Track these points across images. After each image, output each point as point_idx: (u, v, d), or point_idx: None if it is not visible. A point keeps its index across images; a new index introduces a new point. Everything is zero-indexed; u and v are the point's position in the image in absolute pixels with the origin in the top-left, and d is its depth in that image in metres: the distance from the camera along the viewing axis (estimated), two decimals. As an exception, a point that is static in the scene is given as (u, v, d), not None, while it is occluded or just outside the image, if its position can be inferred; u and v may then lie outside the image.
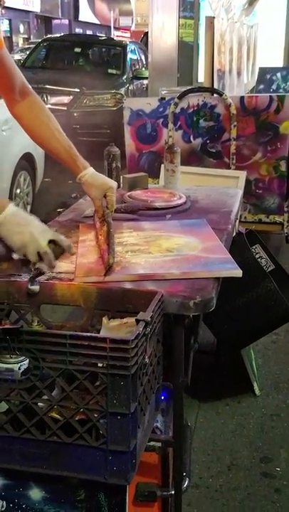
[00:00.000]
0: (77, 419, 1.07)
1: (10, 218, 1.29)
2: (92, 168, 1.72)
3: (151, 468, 1.48)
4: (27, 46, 18.55)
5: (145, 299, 1.27)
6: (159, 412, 1.42)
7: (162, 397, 1.50)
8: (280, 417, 2.28)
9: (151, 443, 1.42)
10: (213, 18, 3.56)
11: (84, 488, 1.10)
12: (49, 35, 12.44)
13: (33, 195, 4.87)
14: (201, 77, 4.42)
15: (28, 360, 1.10)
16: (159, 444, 1.46)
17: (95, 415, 1.06)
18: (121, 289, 1.34)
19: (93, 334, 1.12)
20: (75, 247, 1.64)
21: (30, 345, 1.06)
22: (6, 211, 1.30)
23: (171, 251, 1.60)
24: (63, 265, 1.51)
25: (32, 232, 1.28)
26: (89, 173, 1.70)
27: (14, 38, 23.60)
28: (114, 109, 6.91)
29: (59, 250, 1.33)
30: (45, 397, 1.08)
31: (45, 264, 1.30)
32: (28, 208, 4.77)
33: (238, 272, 1.46)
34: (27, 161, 4.59)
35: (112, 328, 1.26)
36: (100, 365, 1.05)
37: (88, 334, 1.08)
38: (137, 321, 1.13)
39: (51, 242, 1.31)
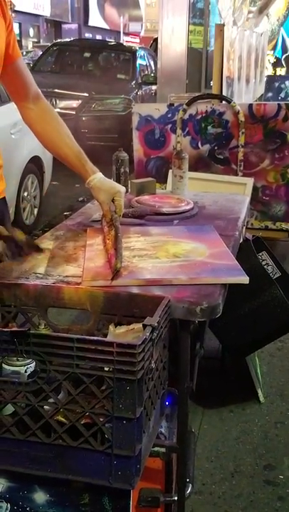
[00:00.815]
0: (82, 422, 1.07)
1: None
2: (100, 173, 1.74)
3: (154, 473, 1.48)
4: (30, 49, 18.60)
5: (152, 304, 1.28)
6: (164, 418, 1.42)
7: (167, 403, 1.50)
8: (284, 424, 2.27)
9: (156, 448, 1.42)
10: (223, 25, 3.58)
11: (88, 492, 1.10)
12: (59, 40, 12.51)
13: (41, 198, 4.89)
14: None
15: (34, 363, 1.10)
16: (163, 450, 1.46)
17: (101, 419, 1.06)
18: (128, 293, 1.34)
19: (100, 338, 1.12)
20: (83, 251, 1.65)
21: (37, 348, 1.06)
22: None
23: (179, 256, 1.60)
24: (71, 269, 1.52)
25: None
26: (97, 177, 1.72)
27: (24, 42, 23.73)
28: (123, 114, 6.94)
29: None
30: (51, 400, 1.08)
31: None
32: (36, 210, 4.79)
33: (244, 279, 1.46)
34: (35, 165, 4.61)
35: (119, 334, 1.26)
36: (106, 369, 1.05)
37: (95, 338, 1.08)
38: (144, 326, 1.14)
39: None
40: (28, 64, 9.21)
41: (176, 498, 1.49)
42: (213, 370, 2.61)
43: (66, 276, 1.47)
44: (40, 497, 1.11)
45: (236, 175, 3.51)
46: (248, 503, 1.87)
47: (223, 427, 2.25)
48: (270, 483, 1.96)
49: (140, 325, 1.20)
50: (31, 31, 25.61)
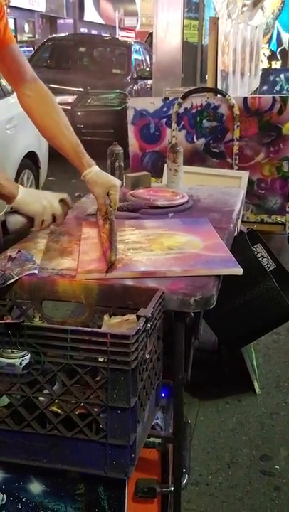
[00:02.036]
0: (77, 413, 1.08)
1: (26, 193, 1.51)
2: (97, 166, 1.74)
3: (151, 464, 1.49)
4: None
5: (146, 296, 1.29)
6: (159, 409, 1.43)
7: (163, 395, 1.51)
8: (280, 415, 2.29)
9: (151, 439, 1.43)
10: (217, 19, 3.58)
11: (84, 481, 1.11)
12: (54, 35, 12.47)
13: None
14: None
15: (29, 356, 1.11)
16: (159, 441, 1.47)
17: (95, 409, 1.07)
18: (122, 285, 1.35)
19: (94, 329, 1.13)
20: (78, 245, 1.65)
21: (31, 339, 1.07)
22: (20, 188, 1.51)
23: (173, 249, 1.61)
24: (65, 262, 1.52)
25: (46, 197, 1.54)
26: (93, 171, 1.72)
27: (19, 37, 23.61)
28: (119, 108, 6.93)
29: (66, 207, 1.59)
30: (46, 391, 1.09)
31: (58, 224, 1.60)
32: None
33: (238, 271, 1.47)
34: (31, 160, 4.60)
35: (113, 325, 1.27)
36: (100, 359, 1.06)
37: (89, 329, 1.09)
38: (138, 317, 1.14)
39: (61, 201, 1.57)
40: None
41: (172, 488, 1.50)
42: (209, 363, 2.62)
43: (61, 269, 1.47)
44: (35, 487, 1.12)
45: (232, 168, 3.52)
46: (245, 494, 1.88)
47: (219, 419, 2.26)
48: (266, 473, 1.98)
49: (134, 316, 1.21)
50: (26, 27, 25.48)
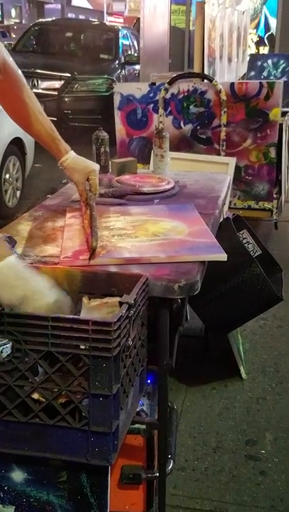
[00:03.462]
0: (60, 402, 1.07)
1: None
2: (73, 152, 1.70)
3: (136, 450, 1.49)
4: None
5: (130, 283, 1.27)
6: (143, 395, 1.43)
7: (149, 381, 1.51)
8: (265, 400, 2.30)
9: (136, 426, 1.43)
10: (204, 3, 3.53)
11: (66, 469, 1.11)
12: (40, 20, 12.29)
13: (23, 180, 4.84)
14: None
15: (10, 344, 1.10)
16: (143, 427, 1.47)
17: (78, 397, 1.06)
18: (106, 272, 1.34)
19: (75, 316, 1.12)
20: (61, 231, 1.64)
21: (11, 327, 1.06)
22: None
23: (158, 235, 1.60)
24: (49, 249, 1.51)
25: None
26: (70, 157, 1.68)
27: (6, 22, 23.27)
28: (106, 94, 6.86)
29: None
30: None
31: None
32: (18, 193, 4.74)
33: (223, 256, 1.46)
34: (16, 146, 4.55)
35: (93, 308, 1.26)
36: (82, 347, 1.05)
37: (70, 316, 1.08)
38: (121, 304, 1.13)
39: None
40: (10, 44, 9.06)
41: (157, 474, 1.51)
42: (196, 349, 2.63)
43: (44, 256, 1.46)
44: (18, 476, 1.11)
45: (219, 154, 3.50)
46: (230, 478, 1.90)
47: (205, 404, 2.27)
48: (251, 458, 1.99)
49: (115, 299, 1.20)
50: (13, 12, 25.11)
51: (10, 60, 1.57)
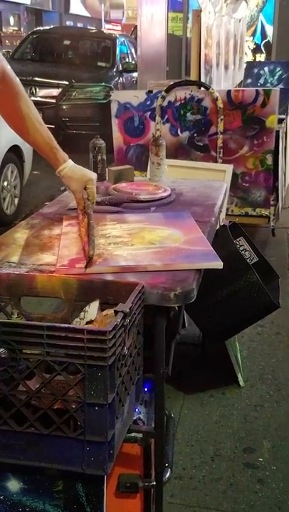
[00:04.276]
0: (55, 408, 1.07)
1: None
2: (71, 160, 1.70)
3: (133, 459, 1.49)
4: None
5: (126, 291, 1.28)
6: (140, 403, 1.43)
7: (146, 389, 1.51)
8: (263, 407, 2.29)
9: (133, 434, 1.43)
10: (200, 11, 3.56)
11: (62, 478, 1.10)
12: (38, 28, 12.35)
13: (21, 187, 4.84)
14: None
15: (5, 352, 1.10)
16: (140, 435, 1.46)
17: (73, 406, 1.06)
18: (102, 280, 1.34)
19: (71, 325, 1.12)
20: (58, 239, 1.64)
21: (7, 336, 1.06)
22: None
23: (154, 243, 1.60)
24: (45, 257, 1.51)
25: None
26: (68, 166, 1.68)
27: (4, 30, 23.35)
28: (104, 102, 6.88)
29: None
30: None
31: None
32: (16, 200, 4.75)
33: (218, 264, 1.47)
34: (14, 154, 4.56)
35: (107, 317, 1.25)
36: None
37: (66, 325, 1.08)
38: (116, 312, 1.14)
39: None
40: (8, 52, 9.09)
41: (155, 483, 1.50)
42: (193, 356, 2.62)
43: (40, 264, 1.46)
44: (13, 485, 1.11)
45: (216, 162, 3.51)
46: (228, 487, 1.89)
47: (203, 412, 2.26)
48: (249, 466, 1.98)
49: (113, 311, 1.20)
50: (12, 20, 25.20)
51: (8, 68, 1.58)
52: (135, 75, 7.36)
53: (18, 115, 1.63)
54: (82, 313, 1.20)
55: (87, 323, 1.16)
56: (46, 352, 1.05)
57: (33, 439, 1.07)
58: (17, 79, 1.62)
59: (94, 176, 1.72)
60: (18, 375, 1.06)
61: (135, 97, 3.64)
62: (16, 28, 24.82)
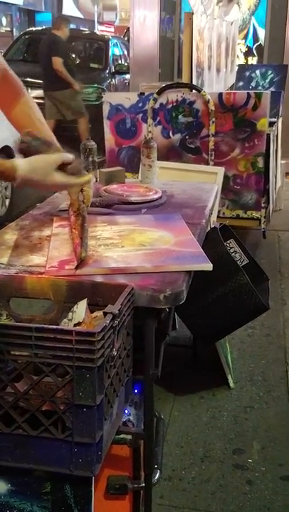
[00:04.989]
0: (43, 409, 1.07)
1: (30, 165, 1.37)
2: None
3: (122, 461, 1.49)
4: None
5: (115, 292, 1.28)
6: (128, 405, 1.43)
7: (136, 391, 1.51)
8: (253, 408, 2.30)
9: (122, 436, 1.43)
10: (192, 14, 3.57)
11: (50, 480, 1.10)
12: (31, 28, 12.32)
13: (12, 188, 4.84)
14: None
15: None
16: (130, 437, 1.46)
17: (61, 407, 1.06)
18: (91, 282, 1.34)
19: (59, 327, 1.12)
20: (48, 241, 1.64)
21: (-5, 337, 1.06)
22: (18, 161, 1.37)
23: (144, 245, 1.60)
24: (35, 258, 1.51)
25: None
26: None
27: (-4, 31, 23.29)
28: (96, 103, 6.88)
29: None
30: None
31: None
32: (7, 201, 4.74)
33: (208, 266, 1.47)
34: (5, 154, 4.55)
35: (97, 319, 1.25)
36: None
37: (54, 327, 1.08)
38: (105, 314, 1.14)
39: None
40: (0, 52, 9.07)
41: (144, 484, 1.50)
42: (184, 358, 2.63)
43: (30, 265, 1.45)
44: (1, 487, 1.11)
45: (207, 164, 3.52)
46: (217, 488, 1.89)
47: (193, 413, 2.27)
48: (238, 467, 1.99)
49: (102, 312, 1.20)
50: (4, 20, 25.14)
51: (9, 68, 1.62)
52: (128, 76, 7.37)
53: (19, 113, 1.66)
54: (70, 314, 1.20)
55: (76, 325, 1.16)
56: (35, 353, 1.05)
57: (21, 440, 1.07)
58: (18, 78, 1.66)
59: (92, 178, 1.73)
60: (6, 376, 1.06)
61: (127, 99, 3.65)
62: (8, 29, 24.75)
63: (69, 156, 1.45)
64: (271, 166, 3.63)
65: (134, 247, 1.58)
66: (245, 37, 6.37)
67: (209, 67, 4.15)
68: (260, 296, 2.01)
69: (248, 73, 5.07)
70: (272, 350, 2.75)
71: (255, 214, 3.59)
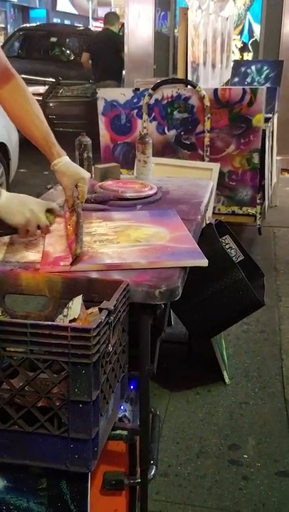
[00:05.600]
0: (39, 405, 1.07)
1: (10, 201, 1.43)
2: (67, 157, 1.72)
3: (118, 456, 1.49)
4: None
5: (110, 289, 1.28)
6: (127, 401, 1.43)
7: (131, 387, 1.51)
8: (248, 404, 2.31)
9: (118, 432, 1.43)
10: (187, 9, 3.56)
11: (46, 476, 1.10)
12: (25, 25, 12.28)
13: (8, 185, 4.81)
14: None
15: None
16: (126, 433, 1.46)
17: (57, 404, 1.06)
18: (86, 278, 1.34)
19: (54, 323, 1.11)
20: (43, 237, 1.63)
21: (-10, 334, 1.05)
22: (3, 194, 1.42)
23: (140, 241, 1.60)
24: (30, 255, 1.50)
25: (32, 208, 1.46)
26: (63, 161, 1.70)
27: (-10, 27, 23.16)
28: (91, 99, 6.86)
29: (53, 217, 1.56)
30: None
31: (43, 233, 1.54)
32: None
33: (204, 262, 1.47)
34: (0, 151, 4.53)
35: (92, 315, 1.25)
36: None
37: (49, 323, 1.08)
38: (100, 310, 1.14)
39: (48, 210, 1.53)
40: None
41: (140, 480, 1.50)
42: (180, 354, 2.63)
43: (25, 262, 1.45)
44: (-3, 483, 1.10)
45: (203, 160, 3.52)
46: (213, 483, 1.90)
47: (189, 409, 2.27)
48: (234, 462, 2.00)
49: (97, 309, 1.20)
50: (-3, 16, 24.99)
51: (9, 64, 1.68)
52: (123, 72, 7.34)
53: (19, 111, 1.70)
54: (65, 310, 1.20)
55: (71, 321, 1.16)
56: (30, 350, 1.05)
57: (17, 437, 1.07)
58: (18, 74, 1.71)
59: (87, 175, 1.75)
60: (1, 373, 1.06)
61: (122, 95, 3.64)
62: (3, 25, 24.63)
63: (55, 207, 1.57)
64: (267, 162, 3.63)
65: (129, 243, 1.58)
66: (241, 32, 6.35)
67: (204, 63, 4.14)
68: (255, 292, 2.01)
69: (243, 69, 5.06)
70: (267, 346, 2.75)
71: (251, 210, 3.58)
